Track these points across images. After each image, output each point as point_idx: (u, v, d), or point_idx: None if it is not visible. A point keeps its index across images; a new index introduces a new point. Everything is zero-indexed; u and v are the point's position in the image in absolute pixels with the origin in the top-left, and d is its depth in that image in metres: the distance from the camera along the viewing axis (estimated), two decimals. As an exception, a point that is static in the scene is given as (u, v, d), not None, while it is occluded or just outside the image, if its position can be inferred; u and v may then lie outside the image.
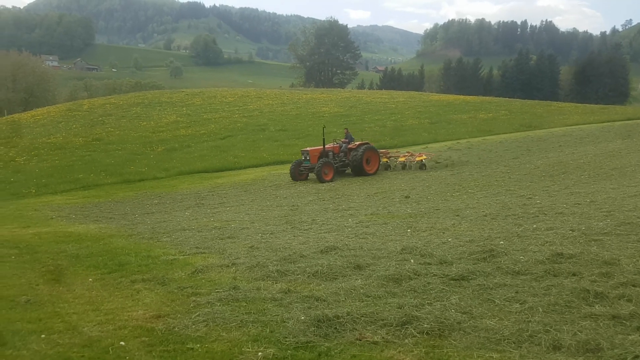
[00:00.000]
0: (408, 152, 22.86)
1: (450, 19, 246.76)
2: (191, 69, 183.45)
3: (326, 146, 21.05)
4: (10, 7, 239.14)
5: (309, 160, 20.38)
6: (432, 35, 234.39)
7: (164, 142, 31.11)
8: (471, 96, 58.85)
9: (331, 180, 19.68)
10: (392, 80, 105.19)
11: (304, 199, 16.05)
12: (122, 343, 4.57)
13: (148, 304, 5.72)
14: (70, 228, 11.94)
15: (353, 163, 20.69)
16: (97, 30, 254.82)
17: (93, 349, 4.47)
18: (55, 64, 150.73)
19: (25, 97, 67.09)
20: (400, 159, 21.94)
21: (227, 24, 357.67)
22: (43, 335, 4.78)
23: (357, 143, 21.33)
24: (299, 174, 20.60)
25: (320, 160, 20.19)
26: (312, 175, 20.61)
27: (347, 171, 21.34)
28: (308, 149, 21.02)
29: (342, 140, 21.92)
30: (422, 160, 21.33)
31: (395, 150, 24.40)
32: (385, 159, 22.26)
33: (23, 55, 74.85)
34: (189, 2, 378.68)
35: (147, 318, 5.21)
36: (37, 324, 5.14)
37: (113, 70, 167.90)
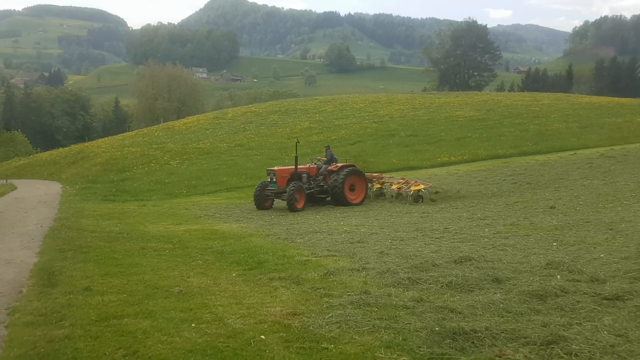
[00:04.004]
0: (402, 179, 18.90)
1: (603, 16, 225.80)
2: (325, 77, 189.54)
3: (302, 167, 17.43)
4: (166, 23, 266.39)
5: (275, 182, 16.69)
6: (581, 33, 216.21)
7: (297, 148, 32.34)
8: (627, 98, 53.00)
9: (301, 209, 16.02)
10: (536, 81, 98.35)
11: (435, 207, 15.67)
12: (262, 337, 4.81)
13: (285, 301, 5.97)
14: (216, 226, 12.93)
15: (333, 189, 16.81)
16: (241, 43, 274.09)
17: (237, 340, 4.76)
18: (204, 75, 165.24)
19: (178, 106, 74.47)
20: (393, 186, 18.19)
21: (360, 30, 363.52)
22: (193, 324, 5.19)
23: (340, 165, 17.42)
24: (265, 199, 16.93)
25: (292, 183, 16.36)
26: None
27: (327, 199, 17.49)
28: (275, 168, 17.40)
29: (322, 159, 18.47)
30: (418, 190, 17.12)
31: (389, 176, 20.59)
32: (378, 185, 18.78)
33: (177, 68, 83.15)
34: (325, 12, 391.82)
35: (284, 315, 5.44)
36: (188, 313, 5.60)
37: (254, 80, 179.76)
